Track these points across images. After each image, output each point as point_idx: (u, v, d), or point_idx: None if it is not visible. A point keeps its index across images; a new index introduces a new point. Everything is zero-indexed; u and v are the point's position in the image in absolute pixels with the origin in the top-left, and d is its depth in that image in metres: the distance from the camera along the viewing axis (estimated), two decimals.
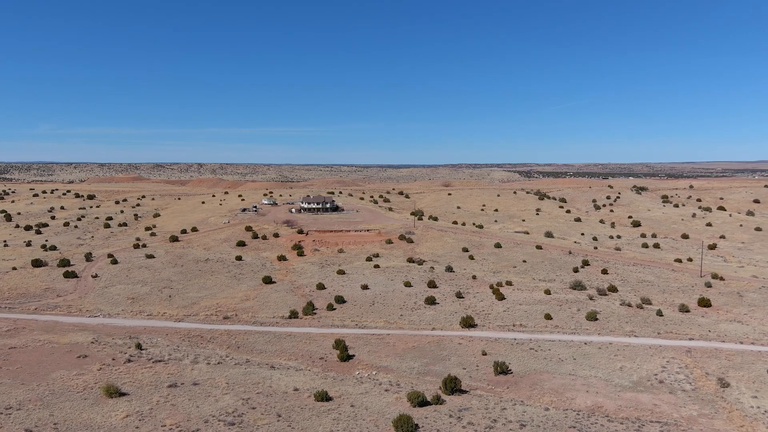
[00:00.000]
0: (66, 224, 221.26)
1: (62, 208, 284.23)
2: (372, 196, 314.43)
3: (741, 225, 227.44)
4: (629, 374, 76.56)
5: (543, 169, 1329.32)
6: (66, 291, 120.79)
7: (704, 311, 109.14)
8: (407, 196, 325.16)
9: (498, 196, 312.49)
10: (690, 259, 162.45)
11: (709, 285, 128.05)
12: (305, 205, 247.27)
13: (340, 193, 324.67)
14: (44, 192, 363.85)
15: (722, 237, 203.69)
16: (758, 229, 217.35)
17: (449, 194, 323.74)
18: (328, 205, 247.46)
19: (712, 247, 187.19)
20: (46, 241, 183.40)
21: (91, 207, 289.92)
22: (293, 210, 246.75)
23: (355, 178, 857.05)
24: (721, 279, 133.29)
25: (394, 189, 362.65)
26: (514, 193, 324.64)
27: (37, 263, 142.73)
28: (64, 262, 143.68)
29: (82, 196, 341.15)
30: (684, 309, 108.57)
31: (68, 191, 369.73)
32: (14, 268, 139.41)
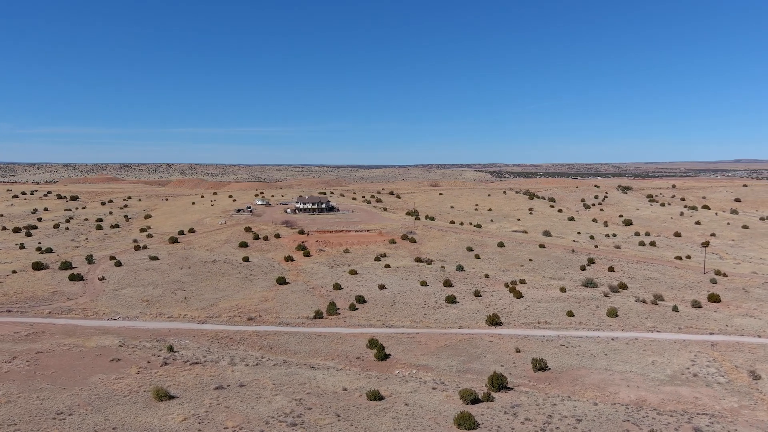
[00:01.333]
0: (56, 226, 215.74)
1: (46, 209, 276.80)
2: (364, 196, 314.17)
3: (728, 223, 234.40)
4: (662, 368, 78.37)
5: (512, 170, 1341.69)
6: (75, 294, 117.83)
7: (715, 306, 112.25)
8: (398, 196, 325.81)
9: (489, 195, 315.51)
10: (688, 257, 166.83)
11: (714, 281, 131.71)
12: (301, 206, 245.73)
13: (332, 193, 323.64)
14: (24, 193, 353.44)
15: (713, 235, 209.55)
16: (745, 227, 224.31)
17: (440, 194, 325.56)
18: (323, 206, 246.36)
19: (706, 244, 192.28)
20: (40, 243, 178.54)
21: (77, 208, 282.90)
22: (288, 210, 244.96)
23: (330, 178, 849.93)
24: (724, 275, 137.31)
25: (383, 189, 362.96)
26: (504, 192, 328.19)
27: (38, 266, 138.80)
28: (66, 265, 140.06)
29: (65, 197, 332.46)
30: (696, 305, 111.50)
31: (49, 192, 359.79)
32: (14, 271, 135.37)
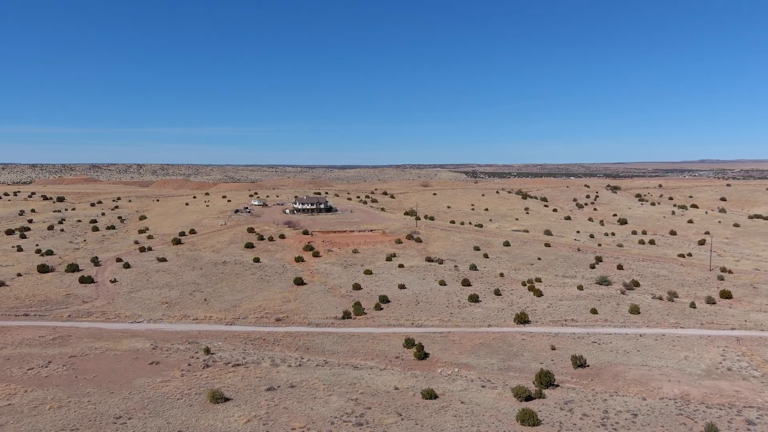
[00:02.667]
0: (50, 227, 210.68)
1: (33, 210, 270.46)
2: (359, 197, 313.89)
3: (720, 222, 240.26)
4: (696, 363, 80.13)
5: (485, 170, 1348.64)
6: (89, 297, 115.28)
7: (729, 303, 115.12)
8: (392, 197, 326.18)
9: (483, 195, 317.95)
10: (690, 254, 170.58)
11: (721, 278, 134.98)
12: (299, 206, 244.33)
13: (326, 193, 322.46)
14: (6, 194, 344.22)
15: (707, 233, 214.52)
16: (737, 225, 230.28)
17: (434, 194, 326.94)
18: (322, 206, 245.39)
19: (702, 242, 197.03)
20: (37, 245, 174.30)
21: (66, 210, 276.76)
22: (287, 211, 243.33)
23: (308, 179, 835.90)
24: (730, 272, 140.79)
25: (376, 189, 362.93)
26: (497, 192, 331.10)
27: (43, 269, 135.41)
28: (73, 267, 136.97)
29: (51, 198, 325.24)
30: (710, 301, 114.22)
31: (33, 193, 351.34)
32: (20, 274, 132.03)
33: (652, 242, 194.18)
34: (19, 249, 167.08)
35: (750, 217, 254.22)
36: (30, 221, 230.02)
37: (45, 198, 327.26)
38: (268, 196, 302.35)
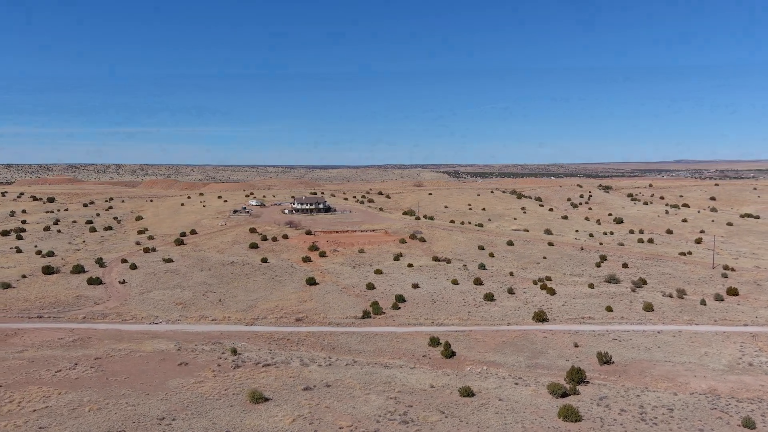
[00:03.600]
0: (46, 229, 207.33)
1: (24, 211, 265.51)
2: (355, 197, 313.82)
3: (713, 221, 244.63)
4: (717, 359, 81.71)
5: (466, 170, 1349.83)
6: (100, 298, 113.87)
7: (737, 299, 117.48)
8: (388, 197, 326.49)
9: (478, 195, 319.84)
10: (690, 253, 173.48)
11: (725, 276, 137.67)
12: (298, 206, 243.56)
13: (323, 193, 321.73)
14: None
15: (702, 232, 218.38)
16: (729, 224, 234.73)
17: (429, 194, 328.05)
18: (320, 206, 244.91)
19: (699, 241, 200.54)
20: (36, 246, 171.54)
21: (58, 210, 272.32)
22: (286, 211, 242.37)
23: (290, 179, 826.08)
24: (732, 270, 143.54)
25: (371, 189, 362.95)
26: (492, 192, 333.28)
27: (48, 270, 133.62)
28: (78, 269, 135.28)
29: (41, 198, 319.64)
30: (719, 298, 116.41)
31: (22, 194, 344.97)
32: (24, 276, 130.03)
33: (650, 241, 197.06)
34: (18, 250, 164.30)
35: (741, 216, 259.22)
36: (24, 222, 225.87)
37: (35, 198, 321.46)
38: (264, 197, 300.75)
